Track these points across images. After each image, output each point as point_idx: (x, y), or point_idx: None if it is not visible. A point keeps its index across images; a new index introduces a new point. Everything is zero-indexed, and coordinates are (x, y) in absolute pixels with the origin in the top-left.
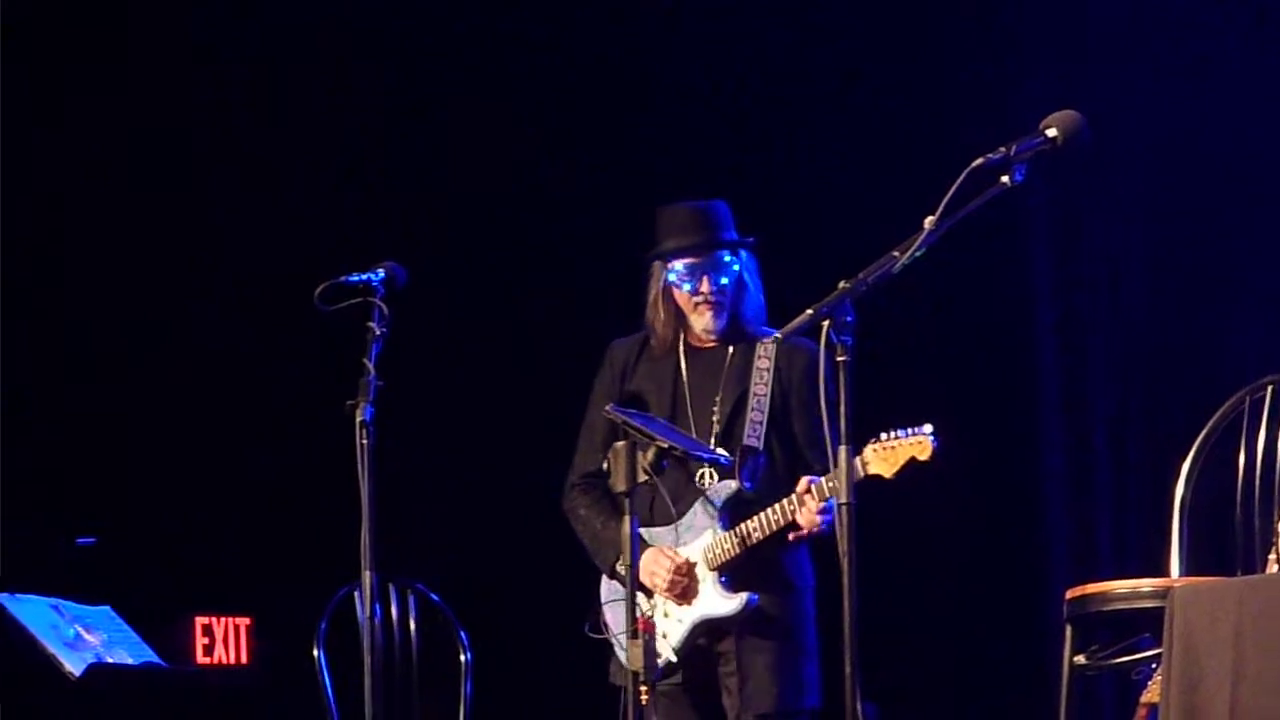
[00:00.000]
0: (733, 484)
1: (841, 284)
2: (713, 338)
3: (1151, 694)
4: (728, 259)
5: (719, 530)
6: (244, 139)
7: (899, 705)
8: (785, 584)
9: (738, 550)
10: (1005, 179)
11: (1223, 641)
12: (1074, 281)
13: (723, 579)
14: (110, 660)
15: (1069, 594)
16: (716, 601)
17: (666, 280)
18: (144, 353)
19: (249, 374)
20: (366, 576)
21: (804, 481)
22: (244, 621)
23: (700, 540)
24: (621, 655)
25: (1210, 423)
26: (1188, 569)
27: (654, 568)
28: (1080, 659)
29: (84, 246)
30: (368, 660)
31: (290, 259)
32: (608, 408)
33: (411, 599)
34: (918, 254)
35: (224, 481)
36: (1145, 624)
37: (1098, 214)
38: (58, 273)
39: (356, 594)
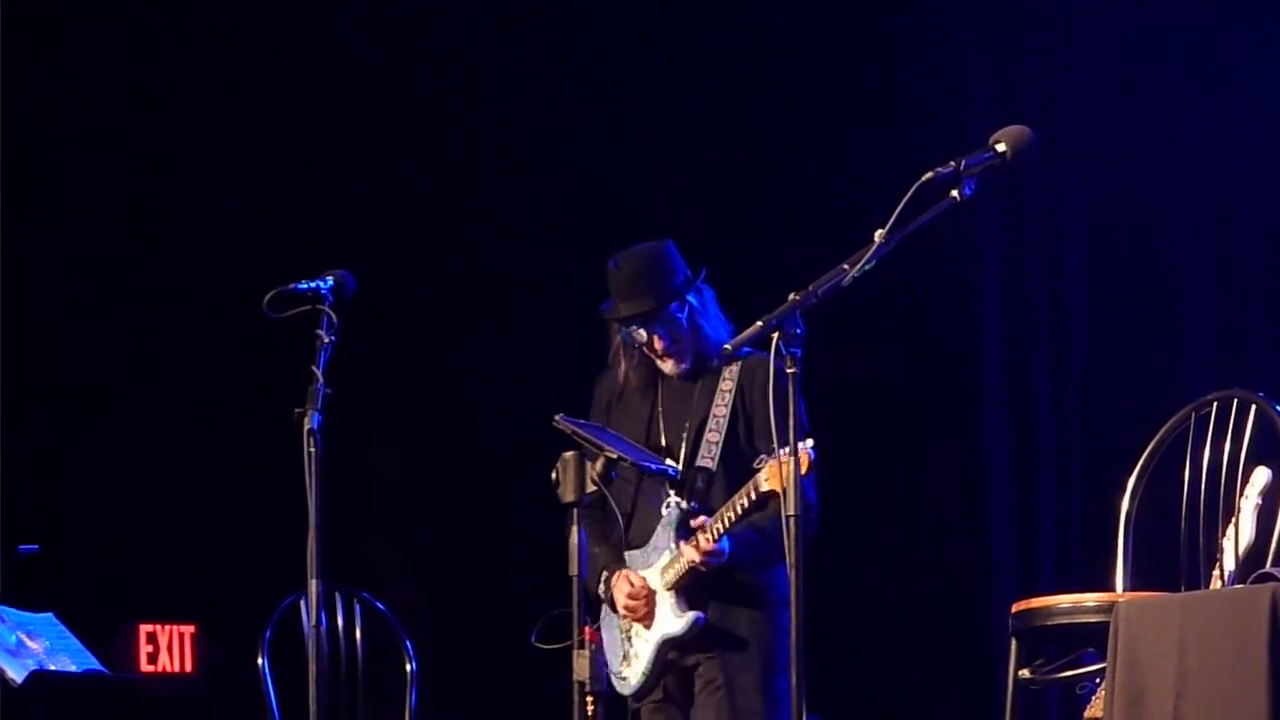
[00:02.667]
0: (682, 503)
1: (791, 296)
2: (680, 376)
3: (1095, 708)
4: (672, 310)
5: (674, 550)
6: (195, 144)
7: (846, 718)
8: (758, 599)
9: (684, 570)
10: (954, 193)
11: (1166, 656)
12: (1019, 295)
13: (679, 598)
14: (53, 667)
15: (1014, 608)
16: (670, 620)
17: (623, 339)
18: (90, 360)
19: (196, 381)
20: (313, 585)
21: (699, 519)
22: (188, 629)
23: (660, 561)
24: (615, 682)
25: (1156, 438)
26: (1132, 584)
27: (614, 592)
28: (1025, 673)
29: (30, 252)
30: (313, 669)
31: (238, 265)
32: (556, 417)
33: (357, 608)
34: (867, 267)
35: (169, 489)
36: (1090, 638)
37: (1042, 231)
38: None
39: (302, 602)
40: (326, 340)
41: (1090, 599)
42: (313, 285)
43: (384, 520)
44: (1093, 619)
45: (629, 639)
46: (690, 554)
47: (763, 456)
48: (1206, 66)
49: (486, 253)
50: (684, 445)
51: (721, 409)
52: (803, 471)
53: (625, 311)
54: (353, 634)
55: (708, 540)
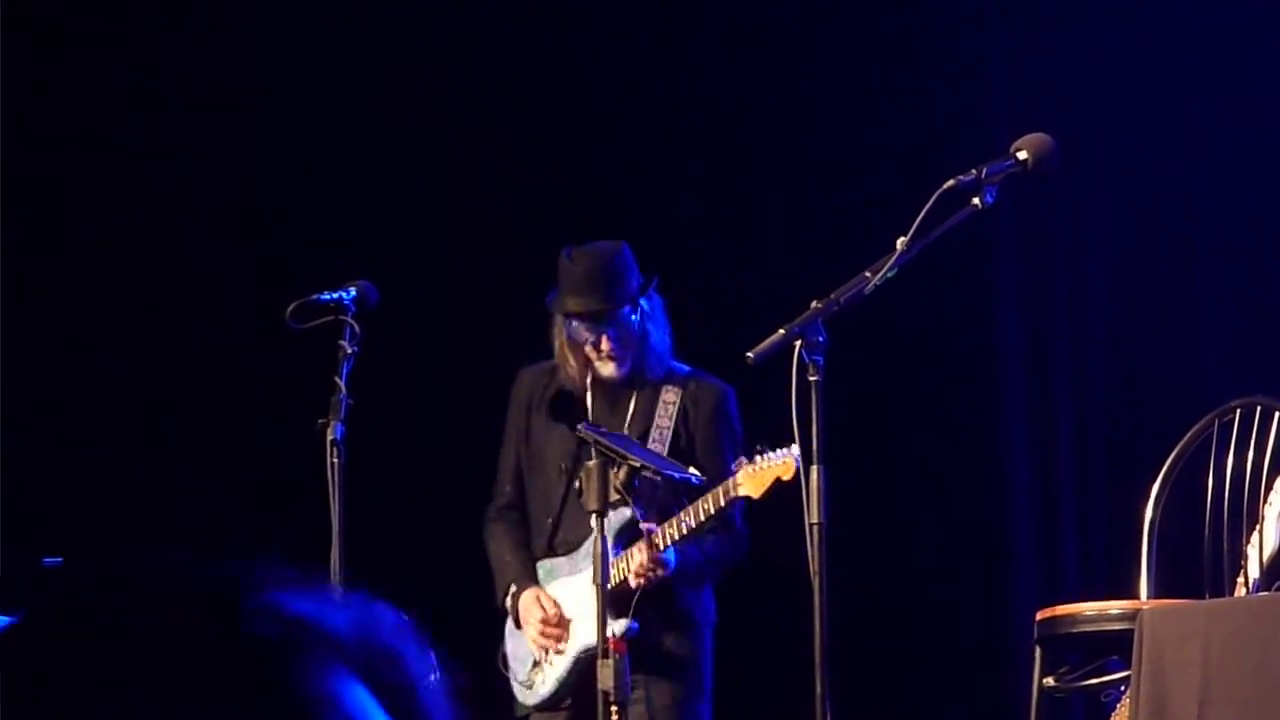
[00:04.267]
0: (627, 512)
1: (813, 304)
2: (617, 381)
3: (1121, 716)
4: (625, 312)
5: (612, 556)
6: (215, 153)
7: None
8: (686, 620)
9: (620, 579)
10: (976, 201)
11: (1190, 663)
12: (1039, 303)
13: (612, 606)
14: None
15: (1038, 616)
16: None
17: (568, 334)
18: (113, 372)
19: (220, 393)
20: None
21: (645, 526)
22: None
23: (590, 570)
24: (515, 689)
25: (1179, 445)
26: (1156, 591)
27: (525, 615)
28: (1049, 681)
29: (53, 262)
30: None
31: (262, 277)
32: (580, 426)
33: None
34: (889, 274)
35: (192, 499)
36: (1114, 646)
37: (1063, 237)
38: (22, 289)
39: None
40: (349, 351)
41: (1114, 606)
42: (335, 296)
43: (403, 529)
44: (1117, 626)
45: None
46: (637, 559)
47: (741, 459)
48: (1230, 68)
49: (495, 255)
50: None
51: (665, 421)
52: (789, 478)
53: (579, 307)
54: None
55: (655, 548)
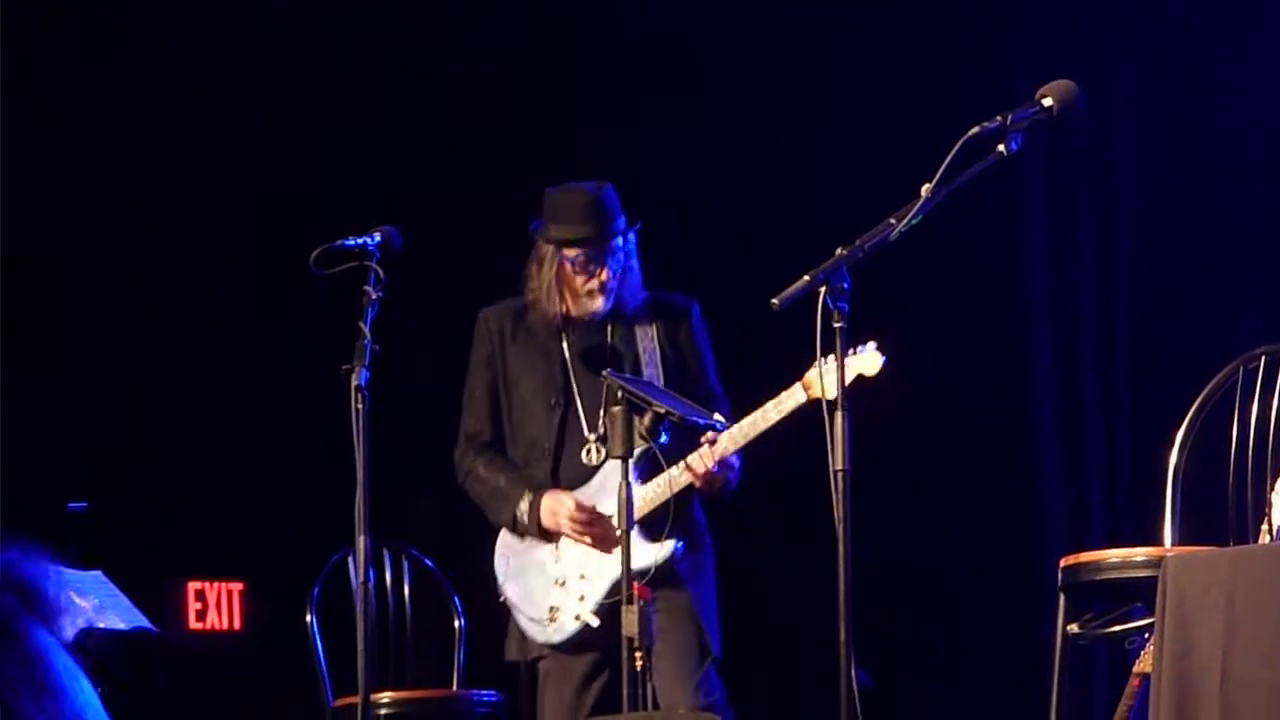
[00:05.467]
0: (642, 442)
1: (838, 251)
2: (596, 317)
3: (1144, 663)
4: (619, 246)
5: (635, 484)
6: (241, 98)
7: (892, 673)
8: (698, 534)
9: (664, 498)
10: (1001, 147)
11: (1214, 610)
12: (1067, 249)
13: (643, 531)
14: (101, 625)
15: (1063, 562)
16: (642, 552)
17: (561, 265)
18: (139, 318)
19: (244, 338)
20: (361, 541)
21: (710, 434)
22: (237, 586)
23: (614, 498)
24: (529, 628)
25: (1204, 392)
26: (1180, 539)
27: (555, 507)
28: (1074, 628)
29: (79, 214)
30: (361, 625)
31: (287, 222)
32: (605, 372)
33: (405, 564)
34: (914, 221)
35: (218, 446)
36: (1138, 593)
37: (1090, 183)
38: (53, 241)
39: (350, 559)
40: (374, 296)
41: (1139, 553)
42: (360, 241)
43: (431, 475)
44: (1141, 573)
45: (563, 583)
46: (704, 461)
47: (820, 358)
48: (1263, 14)
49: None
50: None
51: (649, 343)
52: (871, 373)
53: (585, 233)
54: (401, 590)
55: (719, 452)
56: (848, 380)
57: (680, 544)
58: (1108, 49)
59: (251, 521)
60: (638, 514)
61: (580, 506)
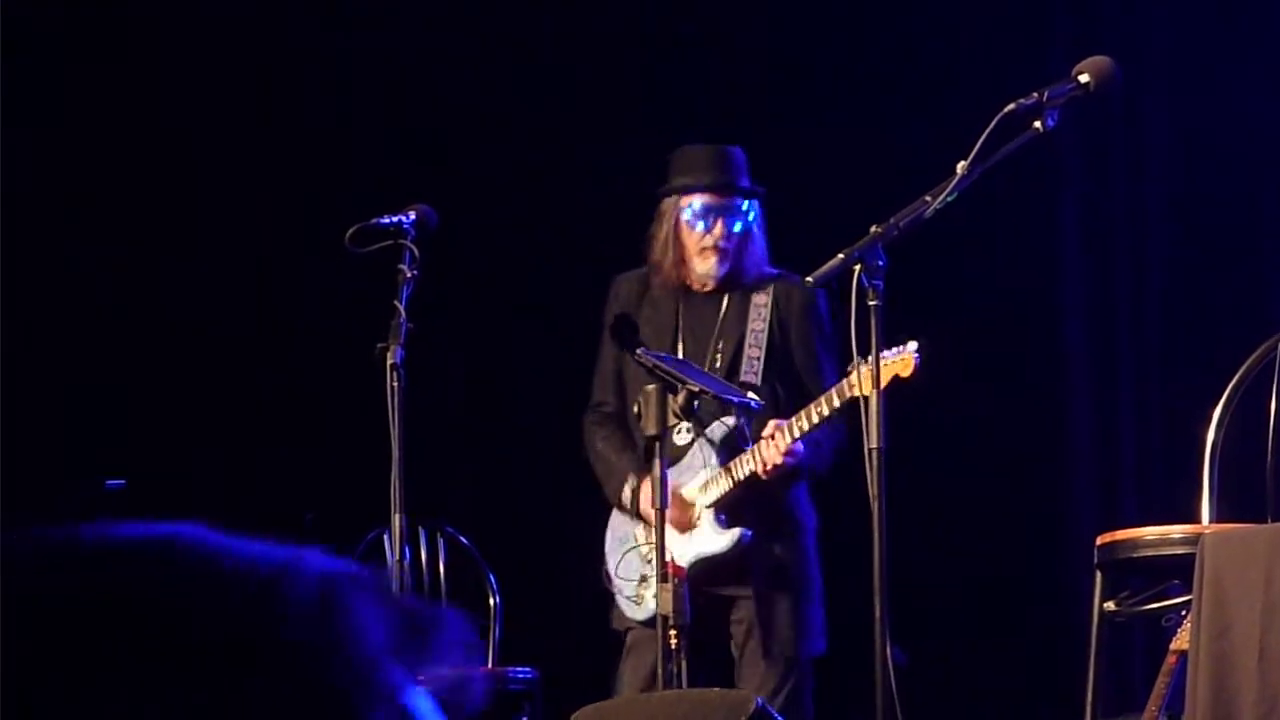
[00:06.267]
0: (730, 421)
1: (873, 228)
2: (711, 283)
3: (1181, 641)
4: (744, 206)
5: (715, 468)
6: (278, 75)
7: (927, 652)
8: (792, 525)
9: (731, 486)
10: (1037, 124)
11: (1253, 587)
12: (1102, 227)
13: (719, 516)
14: None
15: (1099, 540)
16: (711, 538)
17: (679, 218)
18: (176, 297)
19: (281, 317)
20: (396, 519)
21: (771, 424)
22: None
23: (697, 479)
24: (623, 603)
25: (1243, 369)
26: (1218, 516)
27: (641, 498)
28: (1110, 605)
29: (107, 186)
30: None
31: (322, 201)
32: (639, 351)
33: (441, 542)
34: (949, 199)
35: (254, 425)
36: (1175, 570)
37: (1126, 159)
38: (79, 211)
39: (386, 537)
40: (409, 275)
41: (1176, 531)
42: (395, 220)
43: (466, 454)
44: (1178, 551)
45: (649, 562)
46: (769, 455)
47: (858, 360)
48: None
49: (561, 183)
50: (718, 363)
51: (760, 324)
52: (906, 374)
53: (709, 179)
54: (436, 568)
55: (782, 441)
56: (884, 380)
57: (747, 533)
58: (1143, 24)
59: (288, 500)
60: (712, 498)
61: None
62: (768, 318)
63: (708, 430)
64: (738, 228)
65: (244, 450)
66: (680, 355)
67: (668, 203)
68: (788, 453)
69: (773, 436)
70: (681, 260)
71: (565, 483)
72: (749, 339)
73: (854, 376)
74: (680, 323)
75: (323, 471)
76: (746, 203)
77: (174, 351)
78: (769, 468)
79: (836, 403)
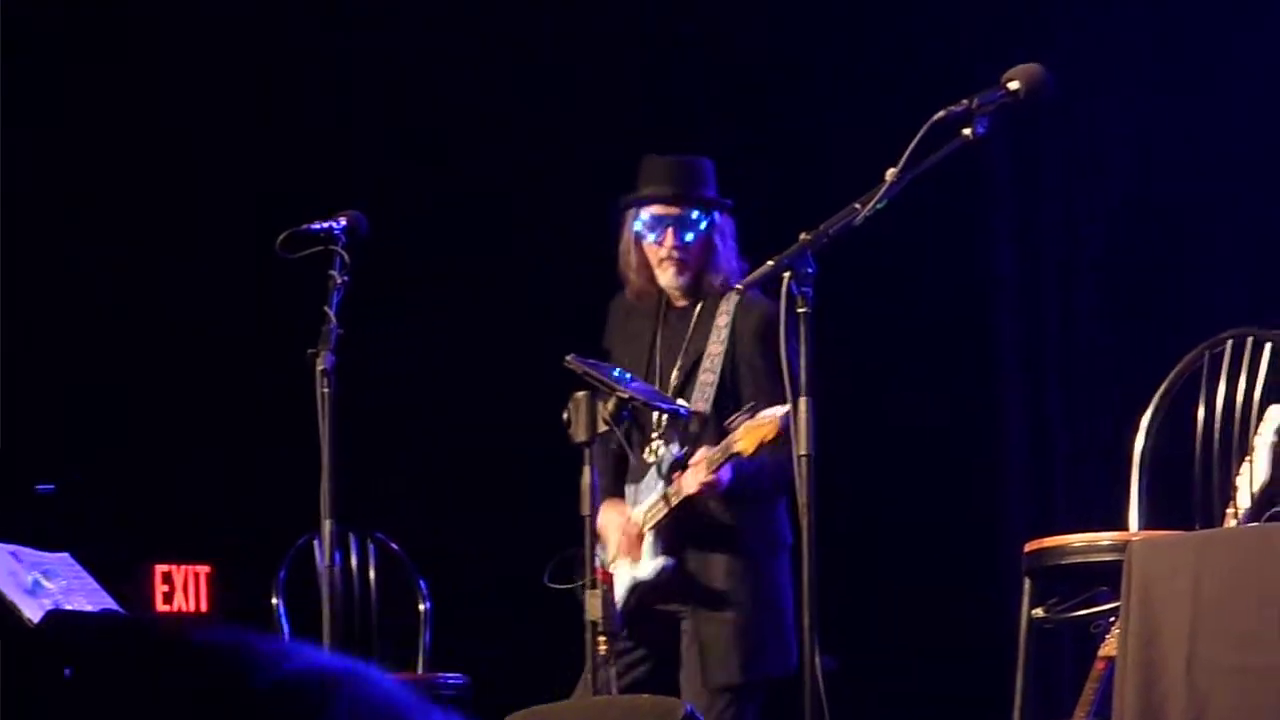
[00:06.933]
0: (676, 448)
1: (802, 235)
2: (680, 295)
3: (1109, 647)
4: (696, 216)
5: (660, 491)
6: (210, 83)
7: (859, 660)
8: (735, 545)
9: (666, 510)
10: (967, 131)
11: (1181, 595)
12: (1032, 234)
13: (657, 540)
14: (69, 607)
15: (1027, 547)
16: (643, 564)
17: (634, 229)
18: (103, 299)
19: (210, 322)
20: (326, 525)
21: (700, 451)
22: (204, 570)
23: (647, 501)
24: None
25: (1170, 376)
26: (1146, 523)
27: (604, 520)
28: (1039, 612)
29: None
30: (326, 609)
31: (253, 206)
32: (568, 357)
33: (371, 548)
34: (879, 206)
35: (185, 430)
36: (1104, 577)
37: (1058, 166)
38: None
39: (316, 542)
40: (339, 281)
41: (1104, 538)
42: (325, 226)
43: (398, 460)
44: (1106, 558)
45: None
46: (689, 484)
47: (738, 416)
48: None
49: (501, 186)
50: (675, 379)
51: (717, 346)
52: (771, 438)
53: (653, 192)
54: (366, 574)
55: (706, 470)
56: (755, 442)
57: (670, 563)
58: (1078, 31)
59: (219, 505)
60: (650, 523)
61: (621, 527)
62: (725, 339)
63: (661, 454)
64: (689, 238)
65: (177, 454)
66: (655, 369)
67: (627, 215)
68: (706, 483)
69: (697, 464)
70: (650, 274)
71: (499, 489)
72: (705, 362)
73: (739, 432)
74: (655, 337)
75: (256, 476)
76: (700, 213)
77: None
78: (694, 493)
79: (720, 457)
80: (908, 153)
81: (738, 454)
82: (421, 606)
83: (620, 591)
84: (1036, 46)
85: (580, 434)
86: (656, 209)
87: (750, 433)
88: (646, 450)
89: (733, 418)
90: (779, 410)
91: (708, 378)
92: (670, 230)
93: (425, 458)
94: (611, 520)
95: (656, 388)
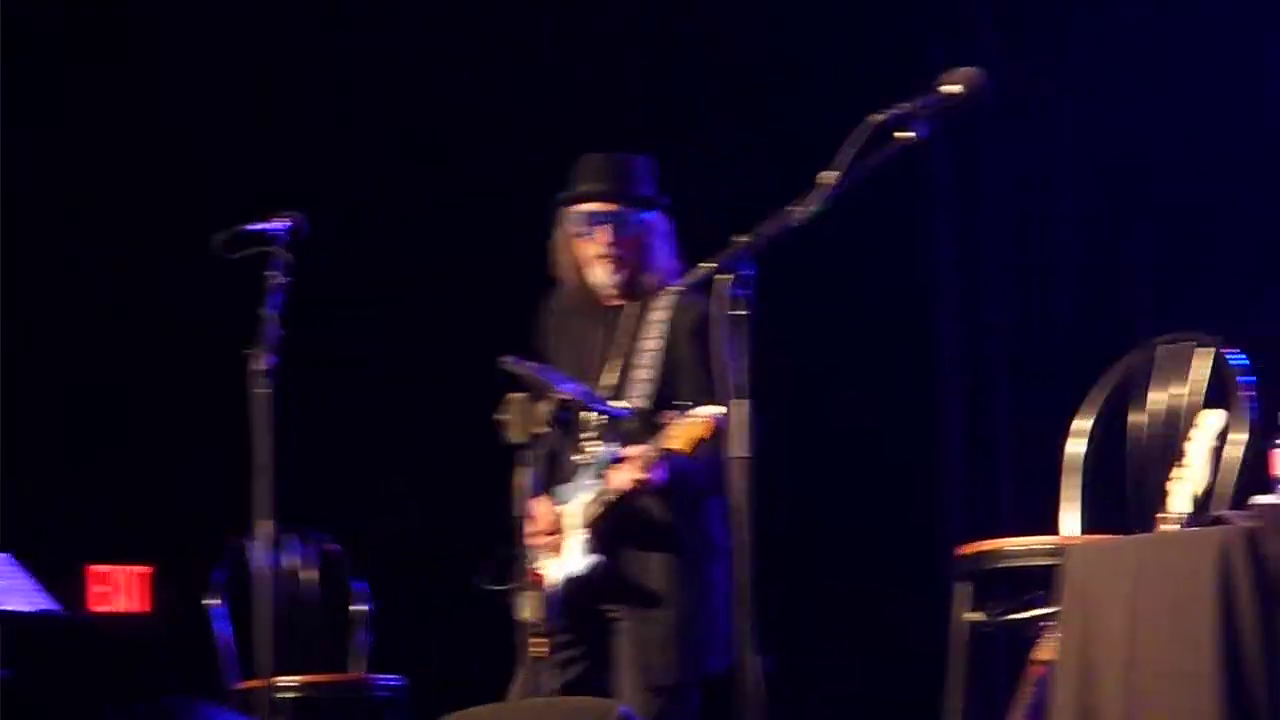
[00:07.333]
0: (614, 446)
1: (739, 238)
2: (613, 294)
3: (1044, 650)
4: (630, 213)
5: (593, 489)
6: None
7: (798, 661)
8: (677, 547)
9: (600, 509)
10: (905, 135)
11: (1118, 599)
12: (972, 237)
13: (590, 537)
14: (7, 608)
15: (962, 551)
16: (575, 560)
17: (568, 227)
18: (40, 298)
19: (150, 322)
20: (265, 526)
21: (636, 449)
22: (143, 570)
23: (580, 499)
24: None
25: (1102, 381)
26: (1082, 527)
27: (527, 513)
28: (977, 615)
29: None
30: (265, 609)
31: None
32: (506, 358)
33: (310, 549)
34: (817, 209)
35: (125, 430)
36: (1040, 581)
37: (997, 172)
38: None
39: (255, 543)
40: (279, 281)
41: (1039, 542)
42: (265, 226)
43: (337, 461)
44: (1043, 562)
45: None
46: (619, 479)
47: (669, 413)
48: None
49: (442, 191)
50: (611, 377)
51: (653, 344)
52: (706, 436)
53: (584, 187)
54: (306, 574)
55: (643, 464)
56: (692, 439)
57: (602, 560)
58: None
59: (159, 506)
60: (587, 519)
61: (540, 519)
62: (663, 335)
63: (599, 452)
64: (625, 234)
65: (119, 454)
66: (589, 367)
67: (561, 213)
68: (639, 480)
69: (631, 460)
70: (584, 273)
71: (439, 490)
72: (639, 359)
73: (671, 429)
74: (589, 337)
75: (197, 476)
76: (637, 211)
77: (45, 356)
78: (620, 491)
79: (654, 454)
80: (845, 156)
81: (671, 451)
82: (359, 608)
83: (554, 585)
84: (991, 48)
85: (517, 436)
86: (590, 206)
87: (683, 430)
88: (578, 451)
89: (666, 414)
90: (714, 409)
91: (645, 374)
92: (604, 228)
93: (367, 458)
94: (539, 515)
95: (593, 388)
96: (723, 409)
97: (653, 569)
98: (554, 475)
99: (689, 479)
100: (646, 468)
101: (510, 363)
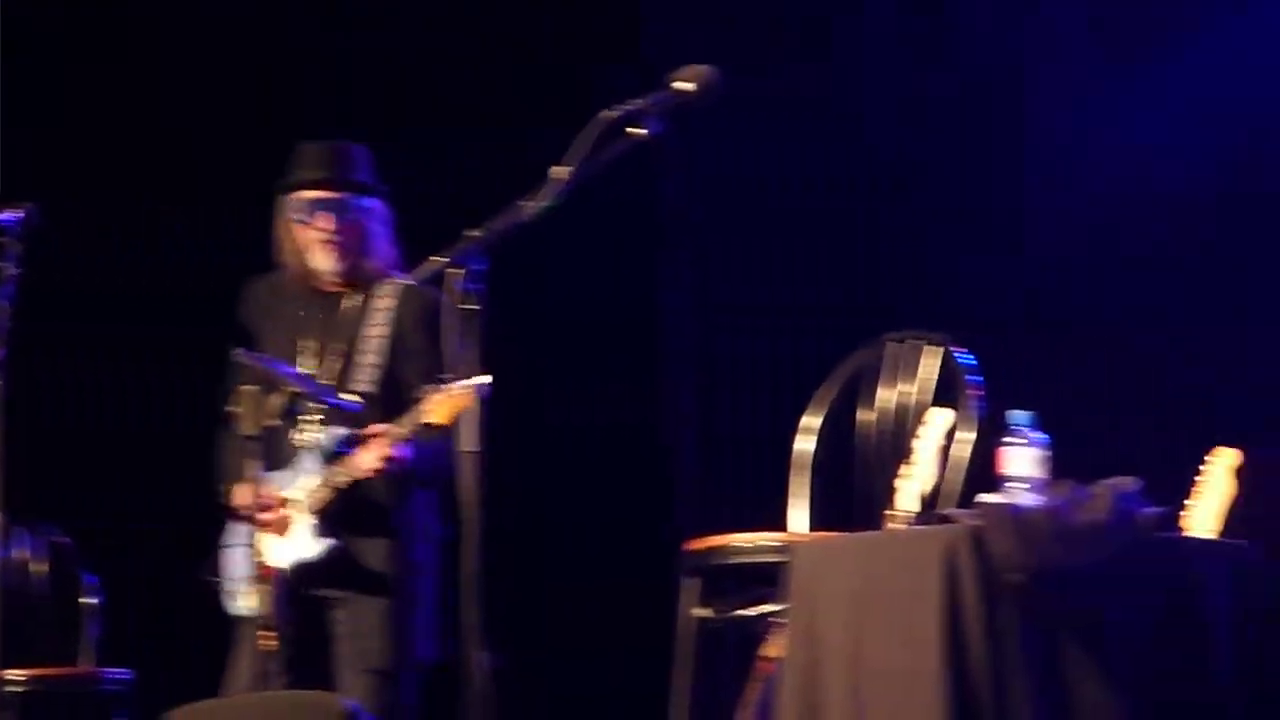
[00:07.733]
0: (342, 430)
1: (470, 233)
2: (334, 280)
3: (772, 646)
4: (350, 200)
5: (319, 473)
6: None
7: (526, 657)
8: (398, 532)
9: (329, 493)
10: (638, 131)
11: (843, 597)
12: (704, 233)
13: (317, 522)
14: None
15: (689, 546)
16: (305, 544)
17: (288, 215)
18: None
19: None
20: None
21: (375, 429)
22: None
23: (301, 483)
24: (224, 595)
25: (831, 378)
26: (810, 524)
27: (241, 497)
28: (705, 611)
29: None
30: None
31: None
32: (238, 351)
33: (40, 541)
34: (547, 204)
35: None
36: (770, 577)
37: (729, 170)
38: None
39: None
40: (10, 273)
41: (767, 538)
42: None
43: (69, 452)
44: (771, 559)
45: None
46: (367, 461)
47: (427, 387)
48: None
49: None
50: (334, 364)
51: (378, 330)
52: (469, 405)
53: (305, 175)
54: (35, 566)
55: (389, 444)
56: (454, 411)
57: (337, 544)
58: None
59: None
60: (314, 505)
61: (261, 496)
62: (390, 322)
63: (321, 435)
64: (345, 220)
65: None
66: (301, 356)
67: (281, 201)
68: (386, 459)
69: (379, 436)
70: (305, 259)
71: (172, 483)
72: (363, 344)
73: (426, 403)
74: (305, 324)
75: None
76: (357, 197)
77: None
78: (364, 473)
79: (408, 428)
80: (577, 151)
81: (429, 426)
82: (88, 600)
83: (280, 569)
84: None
85: (249, 428)
86: (310, 193)
87: (443, 403)
88: (294, 434)
89: (421, 389)
90: (477, 379)
91: (370, 359)
92: (325, 214)
93: (98, 451)
94: (242, 493)
95: (311, 372)
96: (487, 378)
97: (373, 554)
98: (271, 456)
99: (430, 461)
100: (395, 444)
101: (242, 355)
